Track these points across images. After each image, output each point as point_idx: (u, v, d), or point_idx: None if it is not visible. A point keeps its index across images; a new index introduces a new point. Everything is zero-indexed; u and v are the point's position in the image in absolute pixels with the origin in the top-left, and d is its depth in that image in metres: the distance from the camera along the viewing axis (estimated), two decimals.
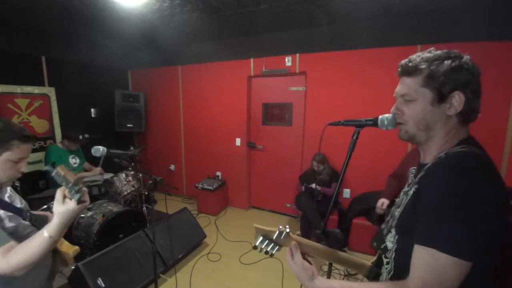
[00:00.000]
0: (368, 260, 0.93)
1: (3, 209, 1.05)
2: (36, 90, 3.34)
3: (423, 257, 0.62)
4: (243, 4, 2.41)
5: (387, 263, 0.79)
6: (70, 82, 3.70)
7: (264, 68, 3.53)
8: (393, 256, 0.76)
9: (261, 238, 0.79)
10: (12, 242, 0.95)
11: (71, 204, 0.86)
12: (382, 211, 2.19)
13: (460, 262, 0.58)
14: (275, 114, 3.80)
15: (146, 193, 3.43)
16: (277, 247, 0.78)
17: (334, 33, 3.03)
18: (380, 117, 0.83)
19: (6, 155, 0.99)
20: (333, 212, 3.00)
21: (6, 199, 1.11)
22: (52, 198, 0.91)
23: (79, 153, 3.21)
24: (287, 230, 0.76)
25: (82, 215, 2.45)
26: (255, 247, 0.79)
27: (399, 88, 0.77)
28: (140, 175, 3.06)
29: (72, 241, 2.32)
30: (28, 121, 3.27)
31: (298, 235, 0.83)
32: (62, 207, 0.87)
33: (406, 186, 0.82)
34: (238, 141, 3.89)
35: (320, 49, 3.17)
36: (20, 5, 2.44)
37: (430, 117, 0.72)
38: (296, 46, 3.30)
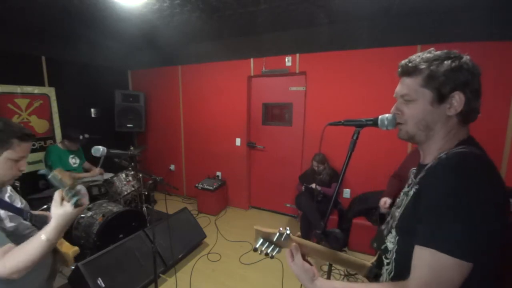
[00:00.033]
0: (368, 260, 0.93)
1: (3, 209, 1.05)
2: (36, 90, 3.34)
3: (424, 258, 0.62)
4: (243, 4, 2.41)
5: (388, 263, 0.79)
6: (70, 82, 3.69)
7: (264, 68, 3.53)
8: (393, 256, 0.76)
9: (261, 240, 0.79)
10: (10, 244, 0.94)
11: (69, 207, 0.86)
12: (386, 210, 2.17)
13: (461, 263, 0.58)
14: (275, 114, 3.79)
15: (146, 193, 3.43)
16: (278, 249, 0.78)
17: (334, 33, 3.03)
18: (380, 117, 0.83)
19: (7, 154, 0.99)
20: (333, 212, 2.99)
21: (7, 199, 1.11)
22: (52, 198, 0.90)
23: (79, 153, 3.21)
24: (288, 232, 0.75)
25: (82, 215, 2.45)
26: (255, 250, 0.78)
27: (399, 88, 0.77)
28: (140, 175, 3.06)
29: (72, 241, 2.35)
30: (28, 121, 3.27)
31: (298, 236, 0.83)
32: (60, 209, 0.87)
33: (406, 186, 0.82)
34: (238, 141, 3.89)
35: (320, 49, 3.17)
36: (20, 5, 2.44)
37: (430, 117, 0.72)
38: (296, 46, 3.30)
